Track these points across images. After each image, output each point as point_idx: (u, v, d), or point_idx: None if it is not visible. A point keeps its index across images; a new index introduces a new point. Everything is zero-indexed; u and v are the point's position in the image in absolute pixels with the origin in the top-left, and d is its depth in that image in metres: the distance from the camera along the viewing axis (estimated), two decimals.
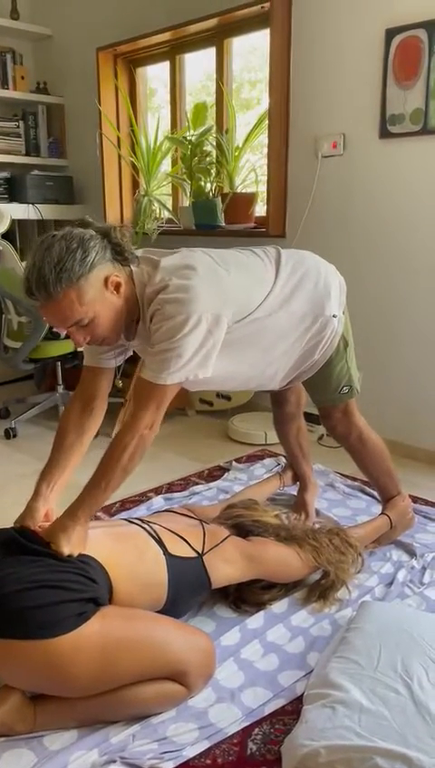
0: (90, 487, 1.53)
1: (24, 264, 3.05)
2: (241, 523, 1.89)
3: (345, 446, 2.12)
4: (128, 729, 1.39)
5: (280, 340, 1.79)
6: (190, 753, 1.35)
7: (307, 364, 1.91)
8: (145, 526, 1.69)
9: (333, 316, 1.84)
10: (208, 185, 3.40)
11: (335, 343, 1.90)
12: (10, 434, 3.23)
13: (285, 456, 2.53)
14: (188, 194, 3.45)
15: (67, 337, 3.17)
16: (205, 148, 3.32)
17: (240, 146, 3.25)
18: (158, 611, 1.55)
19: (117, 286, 1.53)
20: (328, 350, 1.89)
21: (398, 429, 2.88)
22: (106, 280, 1.50)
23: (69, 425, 1.73)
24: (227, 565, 1.70)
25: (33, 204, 3.95)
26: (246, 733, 1.41)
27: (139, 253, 1.63)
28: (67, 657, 1.30)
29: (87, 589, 1.39)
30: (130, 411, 1.56)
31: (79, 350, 3.24)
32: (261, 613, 1.78)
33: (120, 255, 1.54)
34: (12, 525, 1.59)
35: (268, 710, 1.47)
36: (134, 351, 1.81)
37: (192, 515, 1.90)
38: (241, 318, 1.66)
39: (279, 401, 2.26)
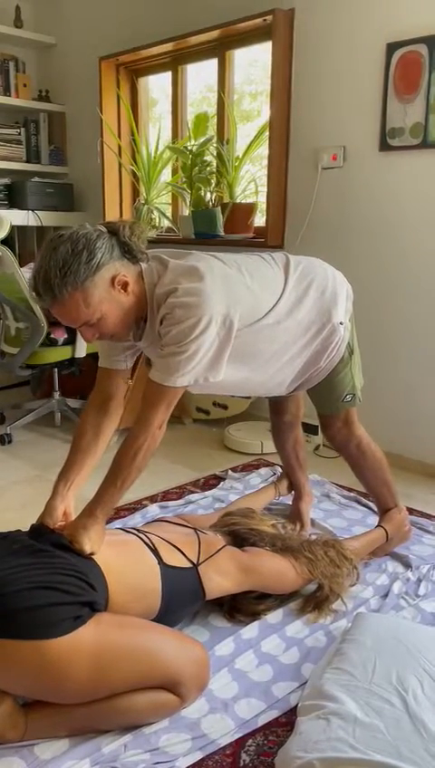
0: (106, 486, 1.57)
1: (22, 269, 3.06)
2: (237, 531, 1.89)
3: (344, 455, 2.11)
4: (120, 739, 1.38)
5: (287, 347, 1.79)
6: (183, 763, 1.34)
7: (313, 371, 1.90)
8: (141, 536, 1.68)
9: (340, 323, 1.84)
10: (208, 194, 3.41)
11: (341, 351, 1.89)
12: (5, 440, 3.21)
13: (281, 466, 2.53)
14: (188, 203, 3.46)
15: (66, 343, 3.23)
16: (205, 158, 3.34)
17: (240, 156, 3.27)
18: (151, 620, 1.54)
19: (124, 285, 1.53)
20: (335, 357, 1.89)
21: (393, 441, 2.88)
22: (113, 279, 1.51)
23: (86, 426, 1.75)
24: (221, 576, 1.70)
25: (32, 210, 3.97)
26: (239, 744, 1.39)
27: (151, 251, 1.64)
28: (62, 660, 1.29)
29: (84, 593, 1.39)
30: (140, 412, 1.58)
31: (76, 357, 3.26)
32: (256, 623, 1.77)
33: (128, 254, 1.54)
34: (7, 530, 1.59)
35: (262, 721, 1.46)
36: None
37: (187, 524, 1.90)
38: (250, 323, 1.67)
39: (278, 411, 2.25)
